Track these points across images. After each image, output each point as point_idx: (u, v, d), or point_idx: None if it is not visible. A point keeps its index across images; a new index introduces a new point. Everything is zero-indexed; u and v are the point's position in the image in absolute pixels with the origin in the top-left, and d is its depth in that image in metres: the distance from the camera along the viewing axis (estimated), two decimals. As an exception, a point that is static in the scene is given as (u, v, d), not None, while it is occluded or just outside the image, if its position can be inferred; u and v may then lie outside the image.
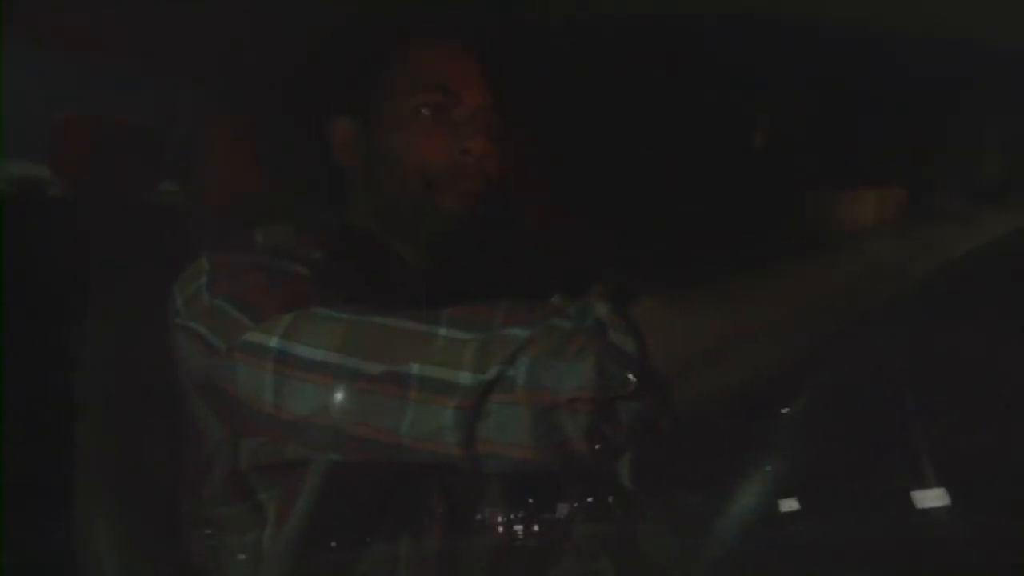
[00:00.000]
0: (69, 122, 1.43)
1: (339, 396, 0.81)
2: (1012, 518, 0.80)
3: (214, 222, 1.11)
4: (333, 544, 0.92)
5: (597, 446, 0.78)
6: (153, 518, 1.00)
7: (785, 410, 0.81)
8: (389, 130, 1.02)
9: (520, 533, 0.95)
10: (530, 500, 0.95)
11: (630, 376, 0.76)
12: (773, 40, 1.10)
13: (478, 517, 0.94)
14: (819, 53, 1.10)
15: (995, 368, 0.83)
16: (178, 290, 0.93)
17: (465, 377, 0.78)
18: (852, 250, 0.80)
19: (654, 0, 1.14)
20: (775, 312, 0.79)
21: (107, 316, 1.09)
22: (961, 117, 1.06)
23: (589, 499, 0.99)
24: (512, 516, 0.94)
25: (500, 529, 0.95)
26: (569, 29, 1.17)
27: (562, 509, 1.00)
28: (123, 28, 1.22)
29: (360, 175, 1.05)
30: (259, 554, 0.93)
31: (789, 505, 0.87)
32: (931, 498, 0.82)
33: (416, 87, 1.01)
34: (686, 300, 0.81)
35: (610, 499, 1.00)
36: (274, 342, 0.83)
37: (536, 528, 0.97)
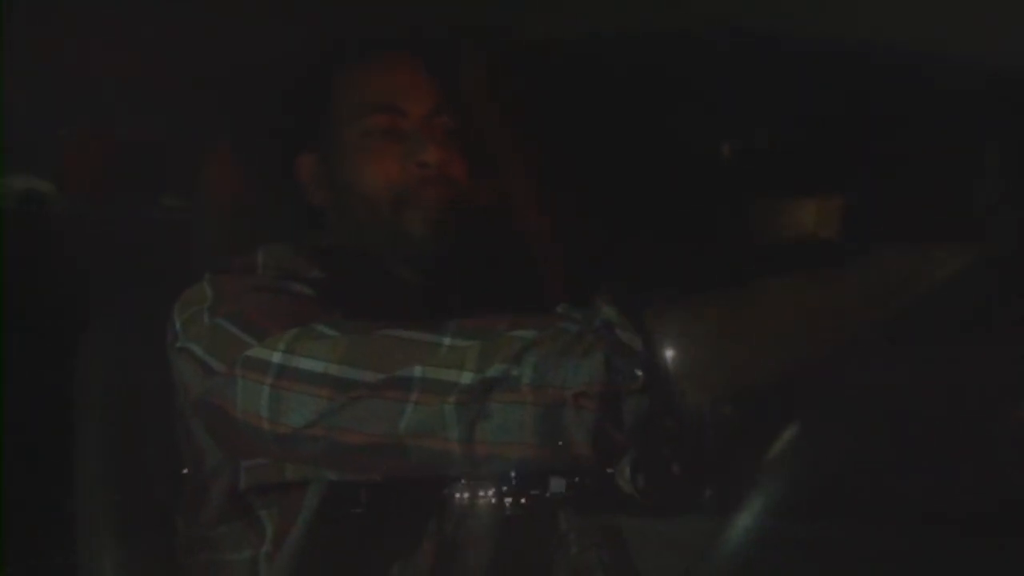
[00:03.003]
0: (72, 137, 1.44)
1: (338, 405, 0.80)
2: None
3: (215, 241, 1.12)
4: (331, 561, 0.92)
5: (601, 446, 0.77)
6: (151, 538, 1.01)
7: (791, 414, 0.80)
8: (345, 160, 1.00)
9: (518, 543, 0.95)
10: (524, 511, 0.95)
11: (638, 371, 0.75)
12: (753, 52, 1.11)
13: (476, 529, 0.95)
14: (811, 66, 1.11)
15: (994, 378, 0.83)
16: (177, 312, 0.92)
17: (467, 376, 0.77)
18: (861, 258, 0.80)
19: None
20: (782, 317, 0.78)
21: (108, 333, 1.10)
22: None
23: (585, 498, 0.99)
24: (507, 531, 0.95)
25: (498, 539, 0.95)
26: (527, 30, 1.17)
27: (556, 508, 1.00)
28: (116, 48, 1.23)
29: (332, 209, 1.04)
30: (256, 571, 0.93)
31: (792, 508, 0.86)
32: (932, 510, 0.82)
33: (362, 112, 0.99)
34: (693, 303, 0.80)
35: (608, 512, 1.00)
36: (276, 357, 0.83)
37: (534, 538, 0.98)
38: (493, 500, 0.93)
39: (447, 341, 0.79)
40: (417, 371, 0.78)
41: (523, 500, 0.89)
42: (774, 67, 1.19)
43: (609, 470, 0.87)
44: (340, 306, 0.89)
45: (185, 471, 0.96)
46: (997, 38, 0.96)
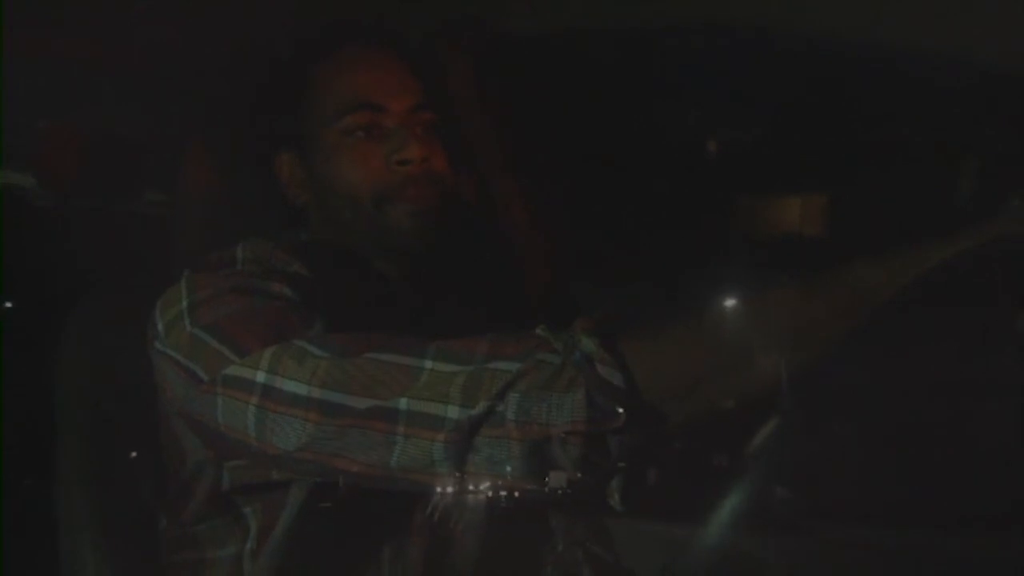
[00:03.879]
0: (54, 131, 1.44)
1: (324, 432, 0.81)
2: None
3: (196, 235, 1.11)
4: (316, 558, 0.92)
5: (588, 474, 0.79)
6: (134, 536, 1.00)
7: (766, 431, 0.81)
8: (325, 157, 0.98)
9: (504, 543, 0.96)
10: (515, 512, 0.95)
11: (619, 409, 0.77)
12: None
13: (462, 529, 0.95)
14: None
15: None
16: (158, 312, 0.91)
17: (453, 411, 0.78)
18: (831, 276, 0.81)
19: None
20: (755, 339, 0.80)
21: (90, 328, 1.09)
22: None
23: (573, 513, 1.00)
24: (496, 526, 0.95)
25: (484, 539, 0.95)
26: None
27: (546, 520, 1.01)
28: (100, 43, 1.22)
29: (312, 206, 1.02)
30: (240, 569, 0.92)
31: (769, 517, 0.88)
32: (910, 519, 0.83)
33: (341, 109, 0.97)
34: (669, 330, 0.82)
35: (594, 514, 1.01)
36: (259, 377, 0.83)
37: (520, 538, 0.98)
38: (479, 498, 0.94)
39: (428, 365, 0.80)
40: (403, 403, 0.80)
41: (509, 498, 0.89)
42: (759, 64, 1.20)
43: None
44: (320, 305, 0.88)
45: (168, 469, 0.96)
46: (987, 36, 0.96)
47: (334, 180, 0.98)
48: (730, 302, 0.81)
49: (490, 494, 0.81)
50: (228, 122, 1.09)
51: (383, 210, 0.97)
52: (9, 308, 1.25)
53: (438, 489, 0.82)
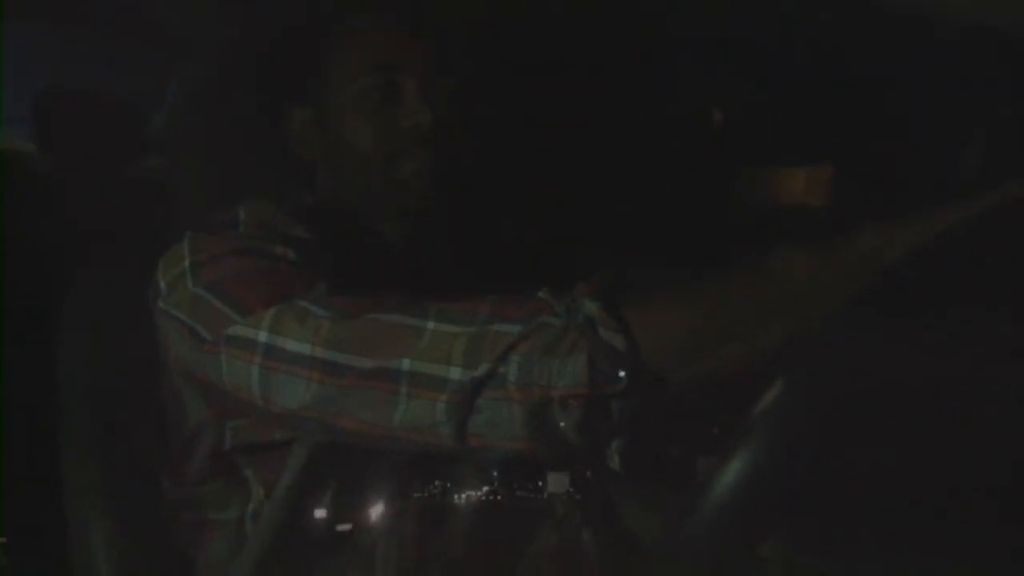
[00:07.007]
0: (53, 95, 1.43)
1: (328, 391, 0.82)
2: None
3: (197, 198, 1.11)
4: (317, 520, 0.93)
5: (589, 438, 0.79)
6: (137, 498, 1.00)
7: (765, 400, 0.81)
8: (339, 117, 0.99)
9: (503, 506, 0.96)
10: (514, 474, 0.95)
11: (621, 373, 0.77)
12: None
13: (462, 490, 0.95)
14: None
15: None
16: (161, 272, 0.92)
17: (455, 372, 0.79)
18: (828, 244, 0.81)
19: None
20: (757, 303, 0.80)
21: (91, 290, 1.09)
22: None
23: (574, 476, 1.01)
24: (495, 489, 0.95)
25: (483, 502, 0.95)
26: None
27: (545, 483, 1.01)
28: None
29: (321, 164, 1.03)
30: (242, 531, 0.93)
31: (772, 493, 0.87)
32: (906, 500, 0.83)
33: (359, 70, 0.98)
34: (672, 295, 0.82)
35: (594, 477, 1.01)
36: (262, 336, 0.83)
37: (519, 501, 0.98)
38: (480, 459, 0.94)
39: (430, 326, 0.81)
40: (405, 364, 0.80)
41: (510, 460, 0.89)
42: (762, 33, 1.19)
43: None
44: (321, 267, 0.89)
45: (170, 431, 0.96)
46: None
47: (347, 138, 0.99)
48: (734, 267, 0.81)
49: (490, 455, 0.81)
50: (238, 77, 1.09)
51: (391, 169, 0.98)
52: (10, 275, 1.25)
53: (439, 449, 0.82)
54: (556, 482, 0.85)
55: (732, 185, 1.33)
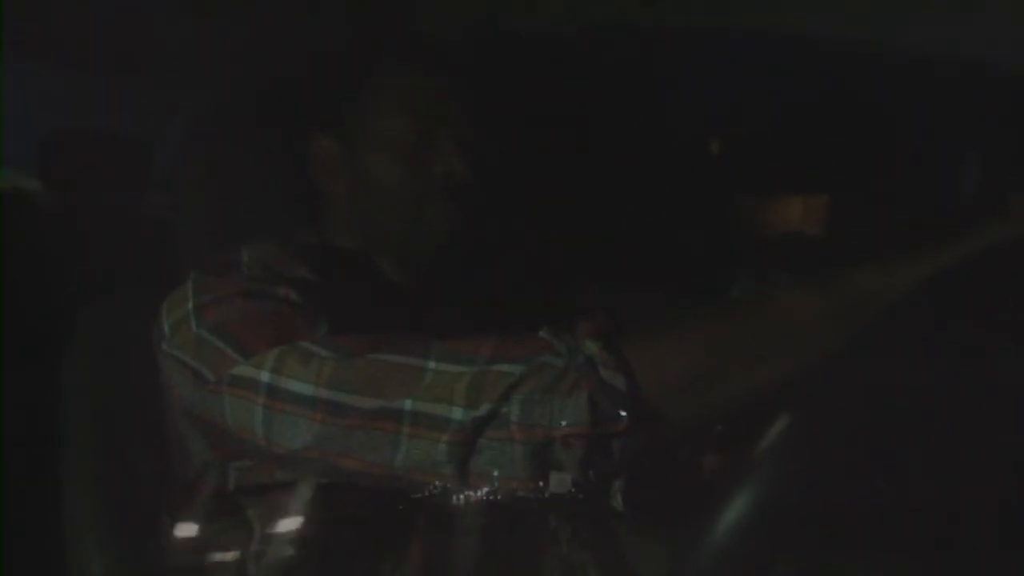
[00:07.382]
0: (60, 134, 1.44)
1: (331, 432, 0.82)
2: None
3: (201, 236, 1.11)
4: (320, 560, 0.93)
5: (591, 477, 0.80)
6: (140, 538, 1.01)
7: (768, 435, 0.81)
8: (371, 152, 1.00)
9: (505, 543, 0.96)
10: (515, 514, 0.95)
11: (622, 412, 0.77)
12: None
13: (463, 527, 0.95)
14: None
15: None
16: (164, 314, 0.92)
17: (457, 412, 0.79)
18: (831, 279, 0.81)
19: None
20: (757, 340, 0.80)
21: (96, 329, 1.10)
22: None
23: (578, 516, 1.01)
24: (498, 527, 0.95)
25: (485, 538, 0.95)
26: (552, 52, 1.18)
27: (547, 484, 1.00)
28: (110, 41, 1.22)
29: (341, 196, 1.03)
30: (244, 571, 0.93)
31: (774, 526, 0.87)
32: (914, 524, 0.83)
33: (399, 110, 0.99)
34: (672, 334, 0.82)
35: (599, 516, 1.01)
36: (264, 376, 0.84)
37: (522, 539, 0.98)
38: (483, 500, 0.94)
39: (432, 366, 0.81)
40: (408, 404, 0.80)
41: (513, 501, 0.89)
42: (761, 63, 1.20)
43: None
44: (324, 310, 0.89)
45: (173, 471, 0.96)
46: (989, 33, 0.96)
47: (374, 174, 1.00)
48: (733, 300, 0.82)
49: (493, 496, 0.81)
50: (252, 104, 1.10)
51: (417, 212, 0.99)
52: (14, 310, 1.25)
53: (442, 490, 0.82)
54: (557, 482, 0.85)
55: (730, 214, 1.34)
